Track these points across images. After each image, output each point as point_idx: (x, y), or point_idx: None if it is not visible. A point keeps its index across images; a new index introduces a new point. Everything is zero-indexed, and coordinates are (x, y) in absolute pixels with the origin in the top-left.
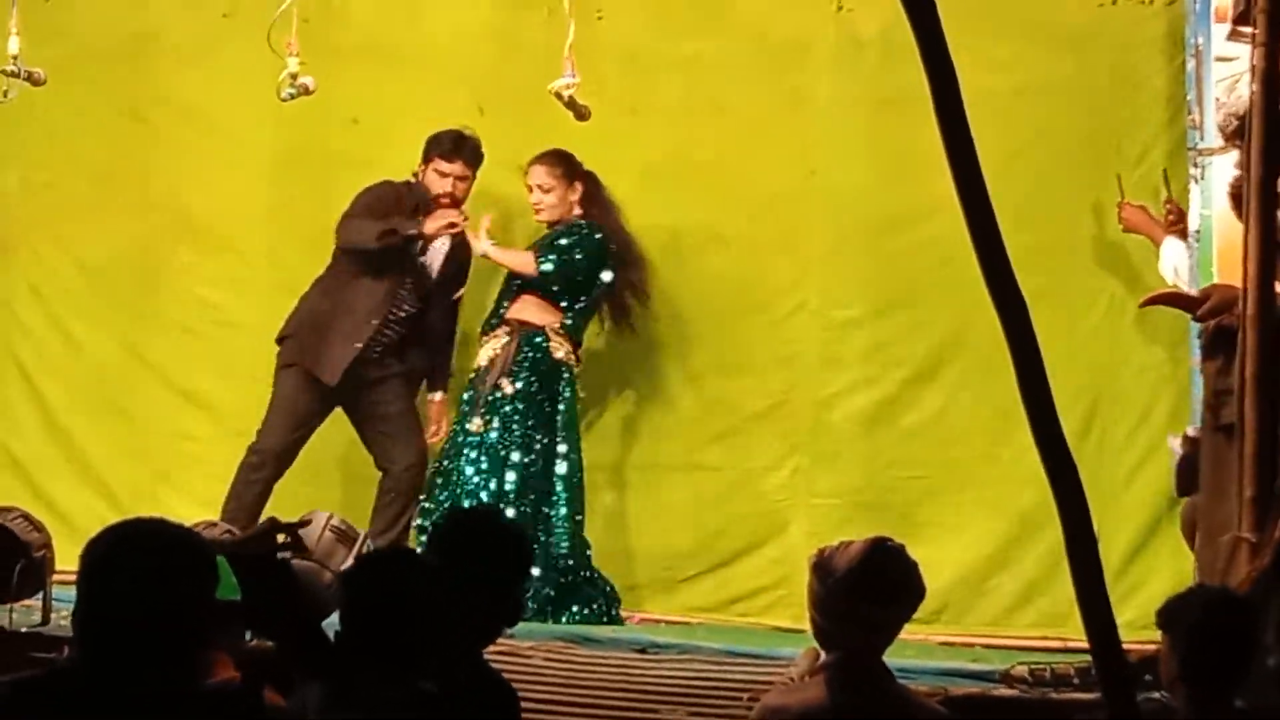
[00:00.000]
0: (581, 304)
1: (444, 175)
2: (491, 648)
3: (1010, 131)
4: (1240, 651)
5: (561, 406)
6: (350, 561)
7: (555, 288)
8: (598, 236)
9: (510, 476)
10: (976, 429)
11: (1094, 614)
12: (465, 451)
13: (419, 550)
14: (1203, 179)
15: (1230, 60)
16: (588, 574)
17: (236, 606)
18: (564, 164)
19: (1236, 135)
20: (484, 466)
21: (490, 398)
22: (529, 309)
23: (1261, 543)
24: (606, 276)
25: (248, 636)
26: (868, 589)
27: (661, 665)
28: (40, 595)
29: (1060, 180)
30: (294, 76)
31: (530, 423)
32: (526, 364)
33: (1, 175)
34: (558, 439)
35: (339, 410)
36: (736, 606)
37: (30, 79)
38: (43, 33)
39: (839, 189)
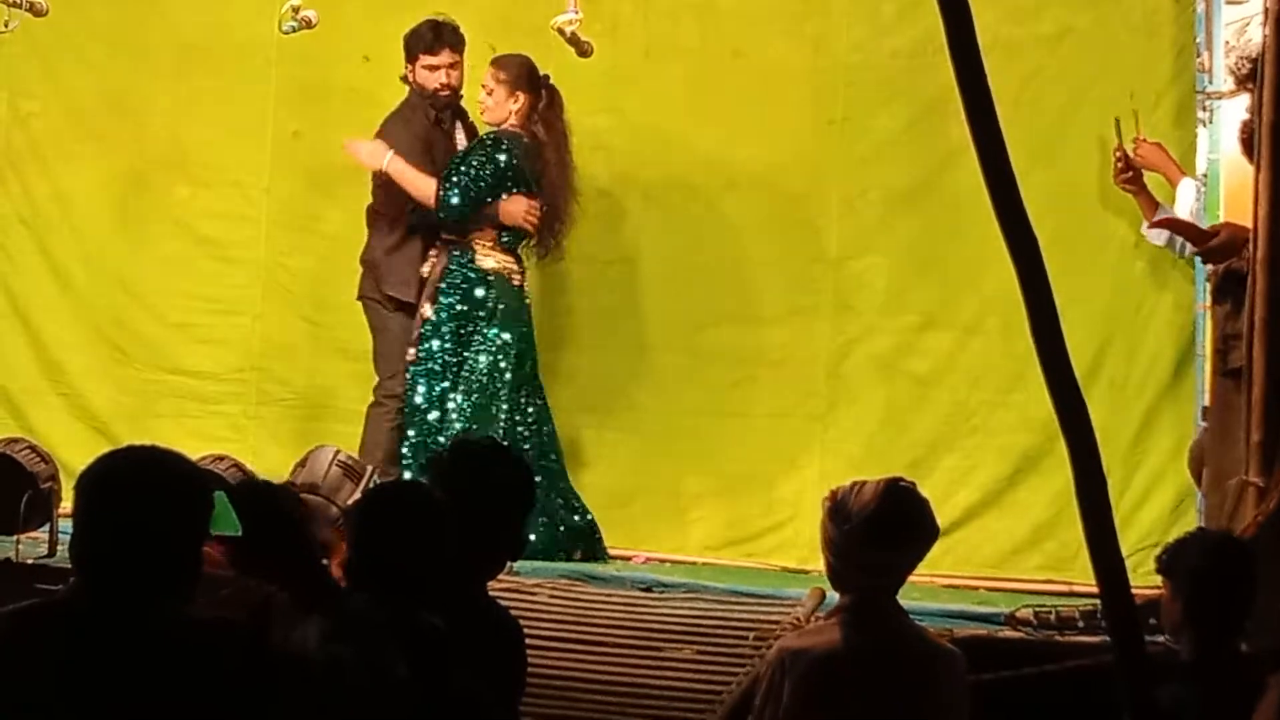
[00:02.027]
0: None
1: (434, 69)
2: (497, 585)
3: (1026, 78)
4: (1242, 596)
5: (488, 324)
6: (357, 496)
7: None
8: (500, 150)
9: (449, 406)
10: (988, 374)
11: (1102, 556)
12: (432, 380)
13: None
14: (1211, 122)
15: (1239, 3)
16: None
17: (236, 540)
18: (511, 70)
19: (1248, 79)
20: (421, 393)
21: (420, 321)
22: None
23: (1268, 487)
24: (519, 186)
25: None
26: (882, 531)
27: (667, 603)
28: (47, 527)
29: (1074, 126)
30: (296, 9)
31: (452, 347)
32: (451, 279)
33: None
34: (483, 357)
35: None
36: (744, 547)
37: (32, 9)
38: None
39: (857, 137)
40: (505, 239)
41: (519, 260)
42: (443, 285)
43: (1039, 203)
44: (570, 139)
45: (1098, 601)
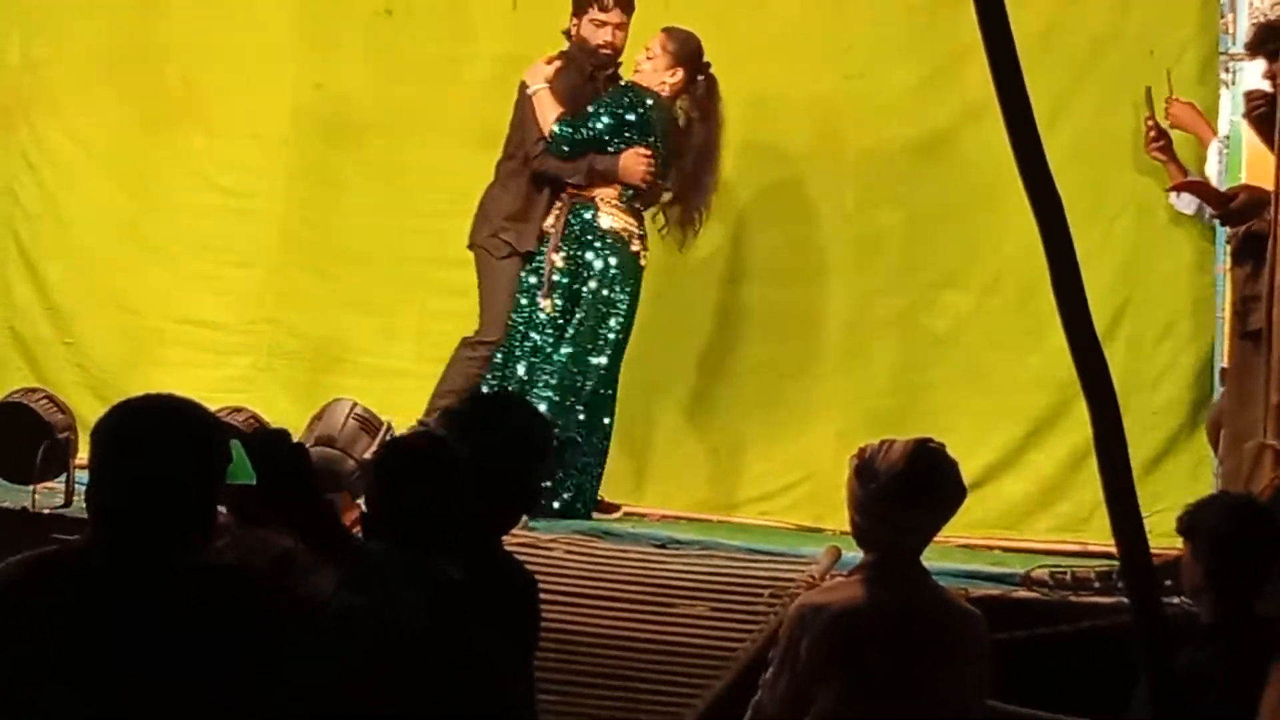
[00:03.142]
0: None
1: (601, 25)
2: (512, 539)
3: (1047, 34)
4: (1263, 559)
5: (598, 284)
6: (374, 449)
7: (595, 149)
8: (640, 101)
9: (560, 356)
10: (1005, 335)
11: (1121, 516)
12: (532, 333)
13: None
14: (1234, 84)
15: None
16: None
17: (251, 489)
18: (680, 44)
19: (1263, 43)
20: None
21: (552, 275)
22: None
23: None
24: (654, 144)
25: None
26: (910, 491)
27: (682, 560)
28: (64, 477)
29: (1093, 80)
30: None
31: (564, 304)
32: (573, 237)
33: (1, 46)
34: (593, 317)
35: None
36: (759, 505)
37: None
38: None
39: (877, 93)
40: (630, 196)
41: (641, 223)
42: (564, 239)
43: (1058, 158)
44: (722, 130)
45: (1114, 562)
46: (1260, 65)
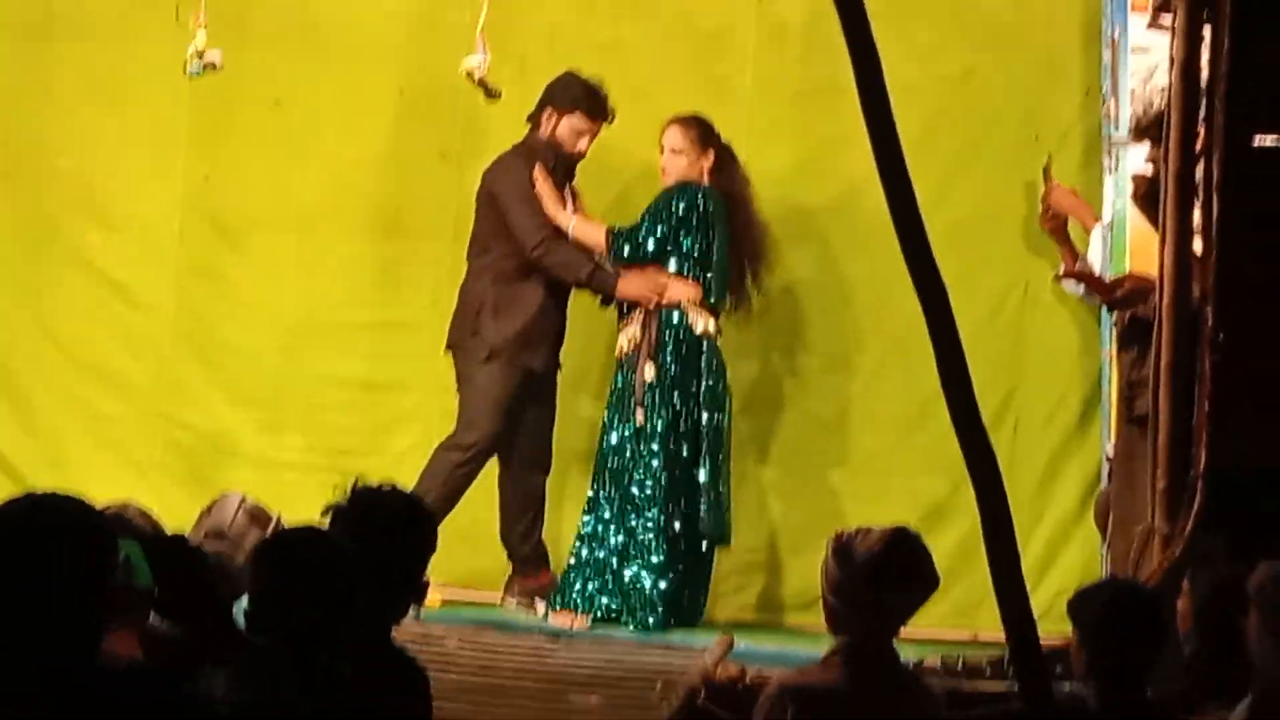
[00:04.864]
0: (708, 270)
1: (581, 133)
2: (405, 633)
3: (929, 120)
4: (1149, 644)
5: (704, 385)
6: None
7: (670, 258)
8: (694, 197)
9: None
10: (890, 417)
11: (1010, 602)
12: (629, 444)
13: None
14: (1116, 169)
15: (1145, 51)
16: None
17: (141, 590)
18: (699, 128)
19: (1150, 129)
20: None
21: (643, 383)
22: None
23: (1174, 534)
24: (714, 237)
25: (152, 619)
26: (887, 576)
27: (574, 651)
28: None
29: (979, 168)
30: (200, 52)
31: (677, 407)
32: (669, 343)
33: None
34: (702, 416)
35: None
36: None
37: None
38: None
39: (762, 179)
40: (707, 299)
41: (718, 318)
42: (662, 348)
43: (942, 240)
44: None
45: (1005, 649)
46: (1144, 149)
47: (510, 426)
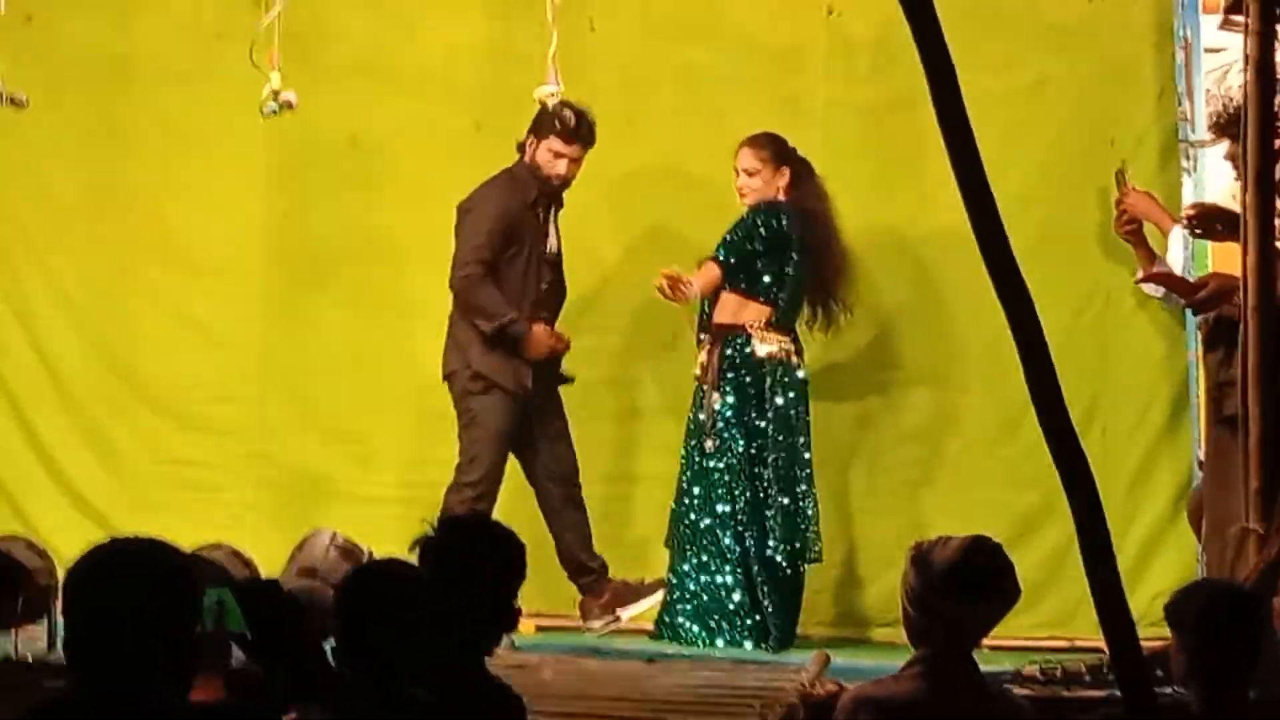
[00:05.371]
0: (783, 290)
1: (559, 156)
2: (500, 662)
3: (1005, 130)
4: (1249, 645)
5: (772, 406)
6: None
7: (741, 280)
8: (772, 217)
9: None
10: (979, 430)
11: (1108, 606)
12: (701, 473)
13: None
14: (1195, 171)
15: (1219, 51)
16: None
17: (234, 635)
18: (771, 146)
19: (1229, 125)
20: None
21: (712, 413)
22: (725, 309)
23: (1269, 533)
24: (793, 255)
25: (242, 662)
26: (965, 586)
27: (670, 674)
28: (44, 622)
29: (1057, 176)
30: (276, 92)
31: (745, 432)
32: (729, 370)
33: None
34: (765, 446)
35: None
36: None
37: (14, 102)
38: (25, 55)
39: (838, 195)
40: (778, 320)
41: (796, 339)
42: (726, 375)
43: (1024, 250)
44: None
45: (1104, 655)
46: (1223, 148)
47: (525, 451)
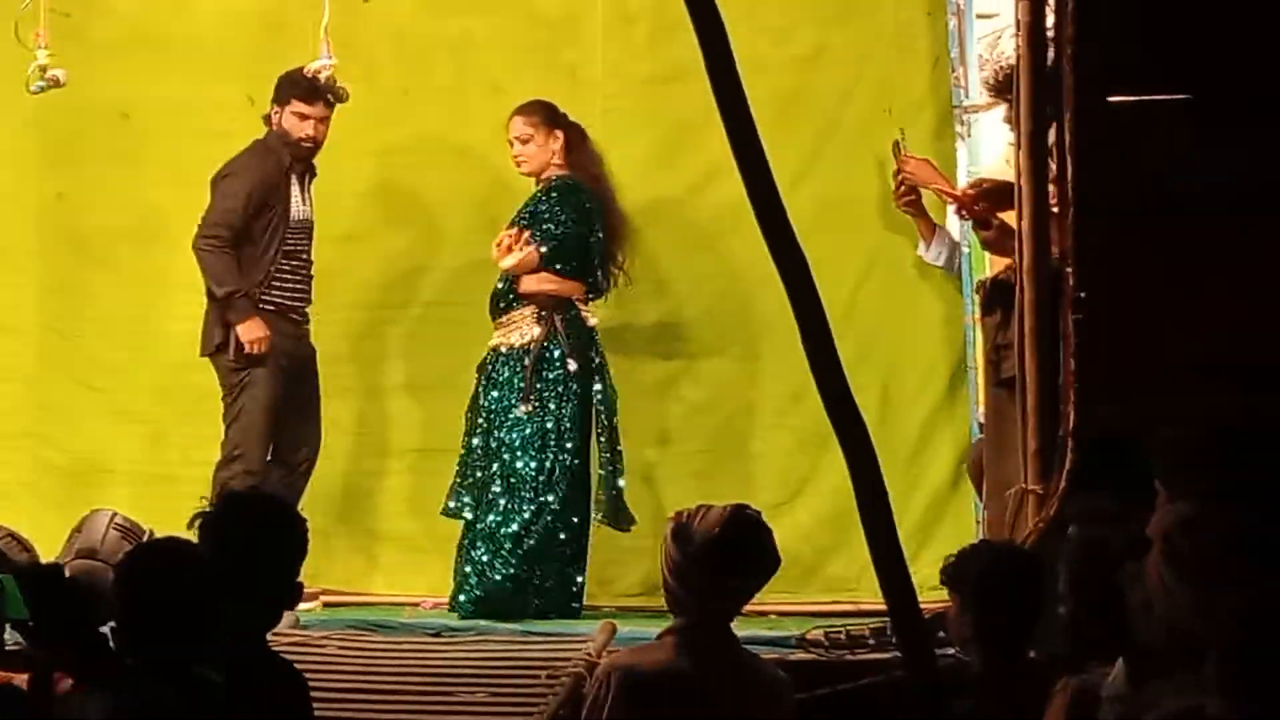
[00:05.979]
0: (595, 267)
1: (304, 118)
2: (283, 639)
3: (784, 99)
4: (1029, 605)
5: (602, 376)
6: None
7: (558, 263)
8: (577, 197)
9: (563, 458)
10: (768, 399)
11: (889, 571)
12: (514, 435)
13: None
14: (970, 136)
15: (992, 17)
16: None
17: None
18: (541, 112)
19: (1005, 88)
20: (536, 449)
21: (549, 377)
22: (547, 281)
23: (1047, 494)
24: (599, 234)
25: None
26: (725, 558)
27: (457, 648)
28: None
29: (835, 146)
30: (43, 69)
31: (577, 403)
32: (574, 338)
33: None
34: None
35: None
36: None
37: None
38: None
39: (619, 167)
40: (590, 295)
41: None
42: (570, 340)
43: (803, 221)
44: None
45: (887, 618)
46: (999, 112)
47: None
